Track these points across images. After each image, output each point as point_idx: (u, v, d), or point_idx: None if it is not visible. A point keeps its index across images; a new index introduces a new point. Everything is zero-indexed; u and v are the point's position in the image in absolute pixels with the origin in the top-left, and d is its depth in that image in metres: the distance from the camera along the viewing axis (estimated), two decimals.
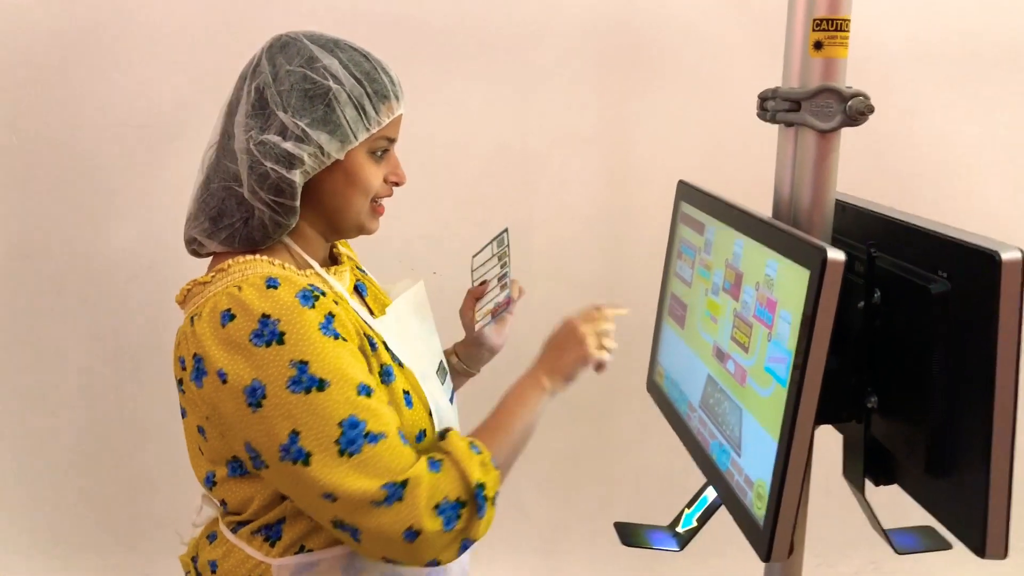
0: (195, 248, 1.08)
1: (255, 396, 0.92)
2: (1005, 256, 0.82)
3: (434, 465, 0.97)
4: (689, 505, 1.17)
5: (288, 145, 0.99)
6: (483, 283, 1.30)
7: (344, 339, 0.97)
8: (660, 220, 1.47)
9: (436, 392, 1.12)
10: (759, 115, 1.11)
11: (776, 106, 1.06)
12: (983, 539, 0.87)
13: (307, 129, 0.99)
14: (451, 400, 1.19)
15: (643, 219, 2.06)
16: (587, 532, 2.30)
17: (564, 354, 1.15)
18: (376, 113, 1.02)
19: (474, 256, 1.32)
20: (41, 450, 2.20)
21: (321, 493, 0.93)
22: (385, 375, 1.03)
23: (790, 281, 0.89)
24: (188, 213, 1.08)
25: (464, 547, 0.98)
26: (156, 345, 2.03)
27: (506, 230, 1.26)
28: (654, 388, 1.35)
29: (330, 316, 0.96)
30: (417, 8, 1.96)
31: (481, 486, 0.97)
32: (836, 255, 0.82)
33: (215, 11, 1.94)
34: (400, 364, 1.07)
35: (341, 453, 0.93)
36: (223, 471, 1.02)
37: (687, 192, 1.27)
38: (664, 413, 1.27)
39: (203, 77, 1.95)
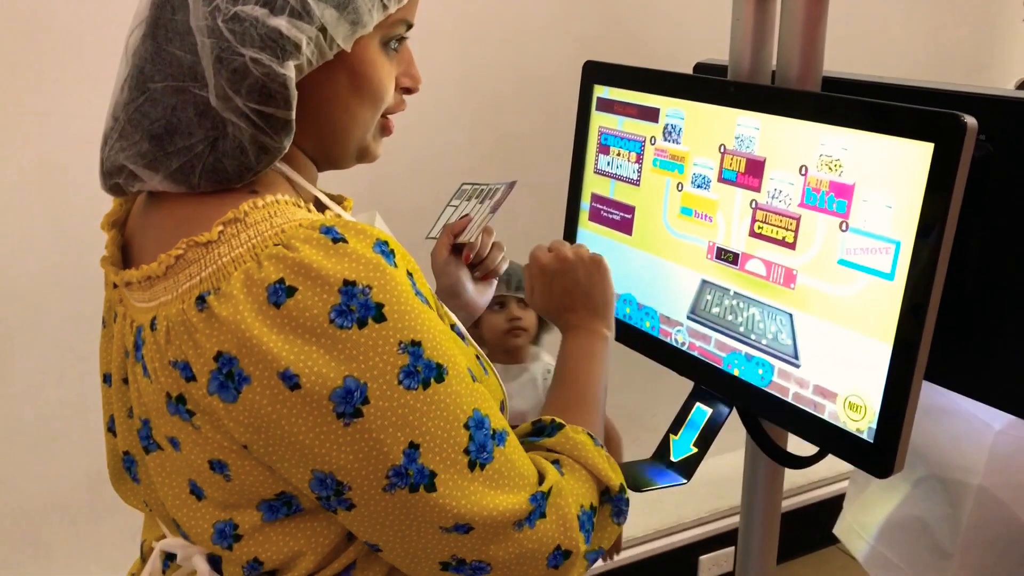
0: (119, 182, 0.69)
1: (351, 402, 0.60)
2: None
3: (558, 466, 0.73)
4: (675, 431, 1.03)
5: (280, 22, 0.62)
6: (465, 216, 1.00)
7: (430, 304, 0.67)
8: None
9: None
10: None
11: None
12: None
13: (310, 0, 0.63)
14: None
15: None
16: None
17: (592, 289, 0.89)
18: None
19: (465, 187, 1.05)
20: None
21: (447, 525, 0.64)
22: (461, 340, 0.74)
23: (889, 159, 0.77)
24: (107, 128, 0.68)
25: (591, 562, 0.74)
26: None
27: (514, 182, 1.00)
28: None
29: (410, 274, 0.65)
30: None
31: (622, 488, 0.75)
32: (970, 120, 0.72)
33: None
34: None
35: (471, 465, 0.64)
36: (254, 517, 0.67)
37: (605, 74, 1.08)
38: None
39: None
